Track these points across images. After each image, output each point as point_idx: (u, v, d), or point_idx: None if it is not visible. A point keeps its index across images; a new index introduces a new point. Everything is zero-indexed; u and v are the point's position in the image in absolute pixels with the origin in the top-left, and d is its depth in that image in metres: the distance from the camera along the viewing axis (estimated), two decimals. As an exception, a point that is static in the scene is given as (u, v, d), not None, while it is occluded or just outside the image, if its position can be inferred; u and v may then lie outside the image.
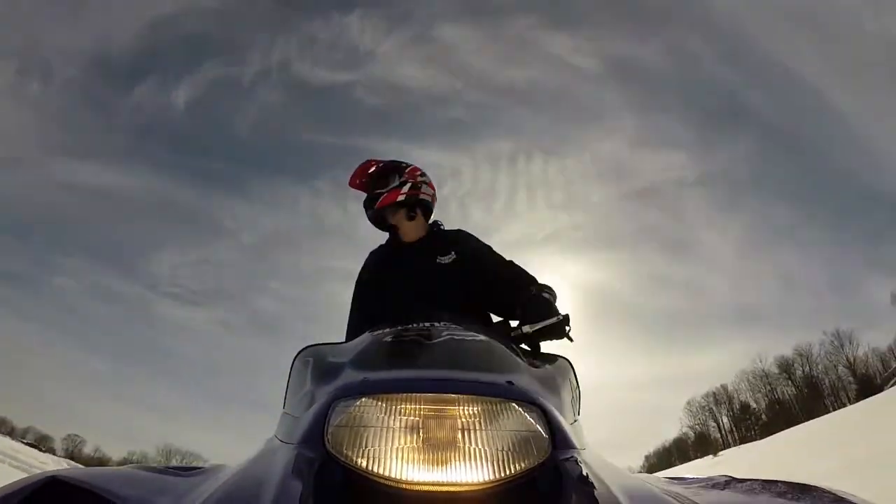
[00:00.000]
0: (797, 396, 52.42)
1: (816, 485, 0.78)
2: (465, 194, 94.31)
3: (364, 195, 1.79)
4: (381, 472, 0.61)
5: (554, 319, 1.26)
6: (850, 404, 34.49)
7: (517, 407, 0.68)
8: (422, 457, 0.63)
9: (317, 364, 0.96)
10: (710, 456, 38.71)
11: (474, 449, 0.63)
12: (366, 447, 0.63)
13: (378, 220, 1.76)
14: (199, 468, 0.91)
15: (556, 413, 0.71)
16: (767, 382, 55.36)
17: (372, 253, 1.85)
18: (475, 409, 0.67)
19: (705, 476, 0.91)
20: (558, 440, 0.67)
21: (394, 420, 0.66)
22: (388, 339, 0.99)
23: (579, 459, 0.66)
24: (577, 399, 1.05)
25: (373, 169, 1.80)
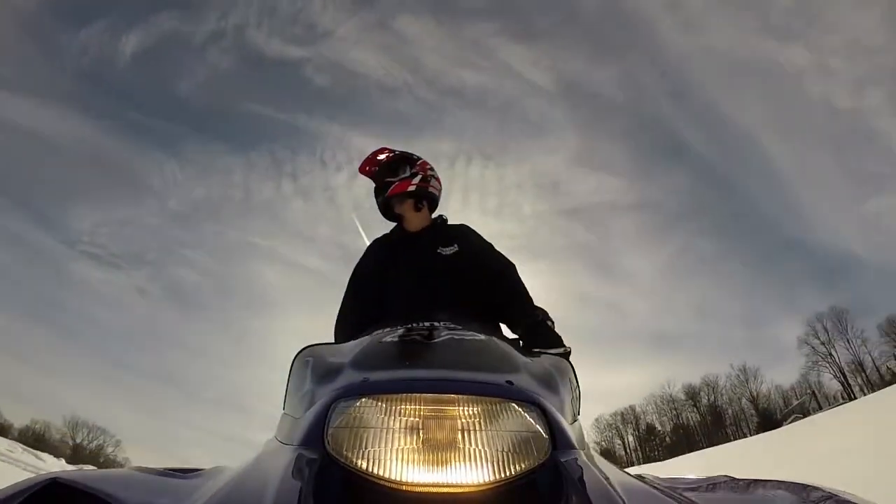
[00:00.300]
0: (701, 423, 54.20)
1: (816, 484, 0.78)
2: None
3: (371, 183, 1.83)
4: (381, 473, 0.61)
5: (560, 350, 1.30)
6: (751, 435, 35.63)
7: (517, 407, 0.68)
8: (422, 458, 0.63)
9: (316, 364, 0.94)
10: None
11: (474, 449, 0.63)
12: (366, 448, 0.63)
13: (386, 208, 1.78)
14: (200, 470, 0.93)
15: (556, 413, 0.71)
16: (674, 407, 56.91)
17: (375, 241, 1.85)
18: (475, 409, 0.67)
19: (705, 476, 0.93)
20: (558, 440, 0.67)
21: (394, 421, 0.66)
22: (388, 339, 0.99)
23: (579, 460, 0.66)
24: (577, 399, 1.03)
25: (383, 156, 1.83)
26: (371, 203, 1.84)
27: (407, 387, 0.69)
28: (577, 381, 1.08)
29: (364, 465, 0.62)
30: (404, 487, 0.60)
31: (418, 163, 1.80)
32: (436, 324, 1.05)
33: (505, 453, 0.63)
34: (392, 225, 1.85)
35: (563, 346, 1.33)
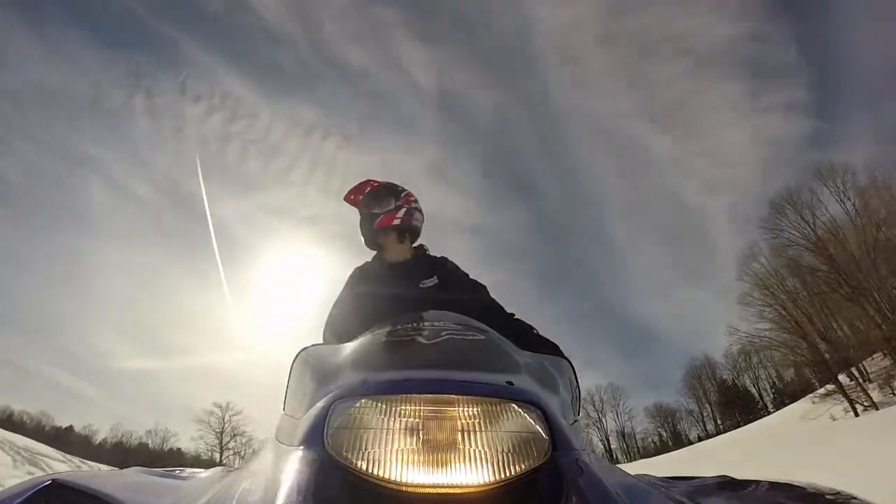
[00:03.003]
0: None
1: (816, 484, 0.79)
2: (252, 140, 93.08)
3: (353, 209, 1.90)
4: (381, 474, 0.61)
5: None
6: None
7: (517, 408, 0.68)
8: (422, 458, 0.63)
9: (316, 365, 0.94)
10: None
11: (474, 450, 0.63)
12: (366, 449, 0.63)
13: (369, 237, 1.83)
14: (200, 470, 0.94)
15: (557, 414, 0.70)
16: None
17: (356, 270, 1.87)
18: (475, 410, 0.67)
19: (705, 476, 0.92)
20: (558, 441, 0.66)
21: (393, 421, 0.66)
22: (388, 339, 0.98)
23: (580, 460, 0.66)
24: (577, 399, 1.03)
25: (369, 188, 1.87)
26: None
27: (407, 387, 0.69)
28: (577, 382, 1.08)
29: (364, 466, 0.62)
30: (404, 488, 0.60)
31: (403, 195, 1.85)
32: (436, 324, 1.05)
33: (505, 454, 0.63)
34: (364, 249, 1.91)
35: (562, 353, 1.33)
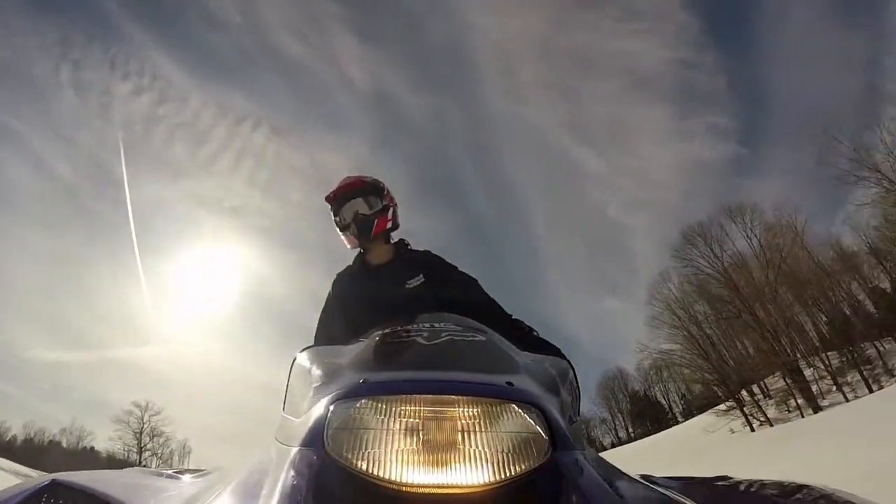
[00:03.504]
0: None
1: (816, 484, 0.78)
2: (179, 123, 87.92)
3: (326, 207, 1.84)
4: (381, 474, 0.61)
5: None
6: None
7: (517, 408, 0.68)
8: (422, 459, 0.63)
9: (316, 366, 0.94)
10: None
11: (474, 451, 0.63)
12: (366, 449, 0.63)
13: (361, 240, 1.77)
14: (200, 471, 0.93)
15: (557, 414, 0.70)
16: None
17: (339, 276, 1.85)
18: (475, 410, 0.66)
19: (705, 476, 0.92)
20: (558, 441, 0.66)
21: (394, 422, 0.66)
22: (388, 340, 0.98)
23: (580, 461, 0.67)
24: (577, 400, 1.03)
25: (354, 189, 1.81)
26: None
27: (407, 388, 0.69)
28: (577, 383, 1.09)
29: (364, 467, 0.62)
30: (405, 489, 0.61)
31: (385, 193, 1.81)
32: (436, 324, 1.05)
33: (505, 454, 0.63)
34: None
35: (563, 355, 1.33)
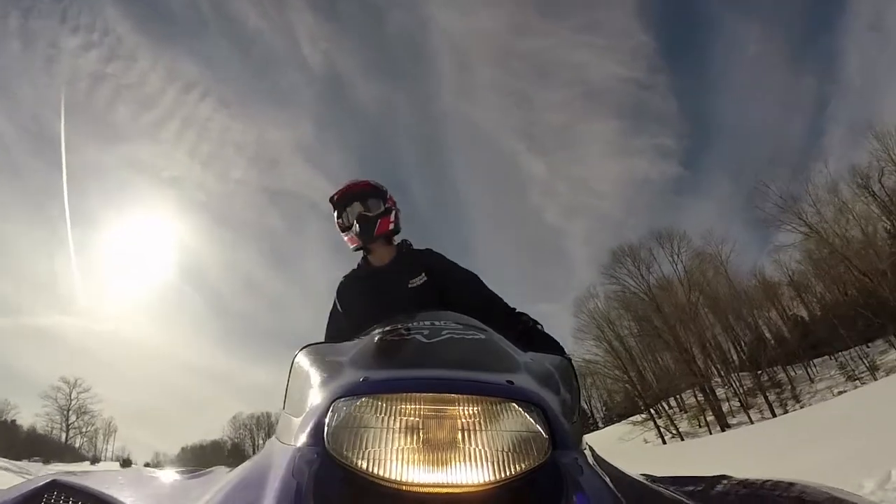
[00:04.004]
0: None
1: (816, 484, 0.78)
2: (126, 85, 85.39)
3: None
4: (381, 473, 0.61)
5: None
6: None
7: (517, 407, 0.67)
8: (422, 458, 0.63)
9: (316, 364, 0.93)
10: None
11: (474, 449, 0.63)
12: (366, 448, 0.63)
13: (365, 242, 1.79)
14: (201, 470, 0.93)
15: (557, 413, 0.70)
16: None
17: (345, 278, 1.89)
18: (475, 409, 0.66)
19: (705, 475, 0.92)
20: (559, 440, 0.66)
21: (394, 421, 0.66)
22: (388, 338, 0.98)
23: (580, 460, 0.67)
24: (577, 399, 1.02)
25: (358, 191, 1.84)
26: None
27: (407, 386, 0.69)
28: (577, 382, 1.09)
29: (364, 465, 0.62)
30: (405, 487, 0.60)
31: (387, 195, 1.85)
32: (436, 323, 1.04)
33: (505, 453, 0.63)
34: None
35: (564, 353, 1.32)
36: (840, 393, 24.12)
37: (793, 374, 32.32)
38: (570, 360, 1.13)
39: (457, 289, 1.69)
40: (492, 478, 0.61)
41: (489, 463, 0.62)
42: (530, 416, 0.67)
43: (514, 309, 1.66)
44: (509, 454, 0.63)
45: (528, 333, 1.46)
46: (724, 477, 0.91)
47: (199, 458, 63.12)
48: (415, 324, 1.04)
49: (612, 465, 0.82)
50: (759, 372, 31.73)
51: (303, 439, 0.69)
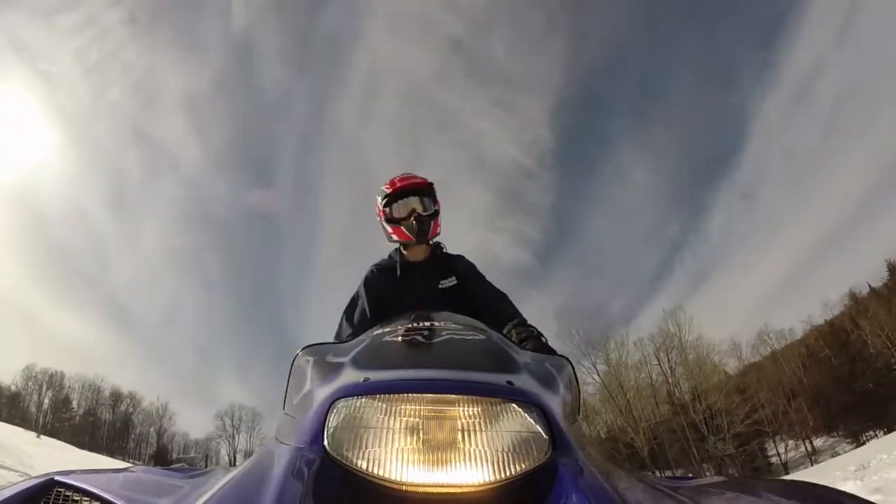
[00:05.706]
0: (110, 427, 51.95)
1: (816, 484, 0.78)
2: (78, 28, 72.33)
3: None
4: (381, 473, 0.61)
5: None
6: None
7: (517, 407, 0.68)
8: (422, 458, 0.63)
9: (316, 364, 0.94)
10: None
11: (474, 450, 0.63)
12: (366, 448, 0.63)
13: (415, 237, 1.78)
14: (201, 469, 0.93)
15: (557, 413, 0.71)
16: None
17: (374, 267, 1.90)
18: (475, 409, 0.67)
19: (705, 476, 0.92)
20: (558, 441, 0.67)
21: (394, 421, 0.66)
22: (389, 338, 0.98)
23: (579, 460, 0.66)
24: (577, 399, 1.03)
25: (412, 186, 1.82)
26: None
27: (407, 387, 0.69)
28: (577, 382, 1.09)
29: (364, 466, 0.62)
30: (404, 487, 0.60)
31: (435, 196, 1.84)
32: (436, 323, 1.05)
33: (505, 453, 0.63)
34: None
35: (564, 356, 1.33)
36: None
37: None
38: (569, 360, 1.14)
39: (486, 299, 1.73)
40: (492, 478, 0.61)
41: (489, 463, 0.62)
42: (530, 417, 0.67)
43: (526, 320, 1.64)
44: (509, 454, 0.63)
45: (528, 339, 1.45)
46: (724, 477, 0.93)
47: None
48: (415, 324, 1.05)
49: (612, 466, 0.83)
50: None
51: (303, 439, 0.69)
